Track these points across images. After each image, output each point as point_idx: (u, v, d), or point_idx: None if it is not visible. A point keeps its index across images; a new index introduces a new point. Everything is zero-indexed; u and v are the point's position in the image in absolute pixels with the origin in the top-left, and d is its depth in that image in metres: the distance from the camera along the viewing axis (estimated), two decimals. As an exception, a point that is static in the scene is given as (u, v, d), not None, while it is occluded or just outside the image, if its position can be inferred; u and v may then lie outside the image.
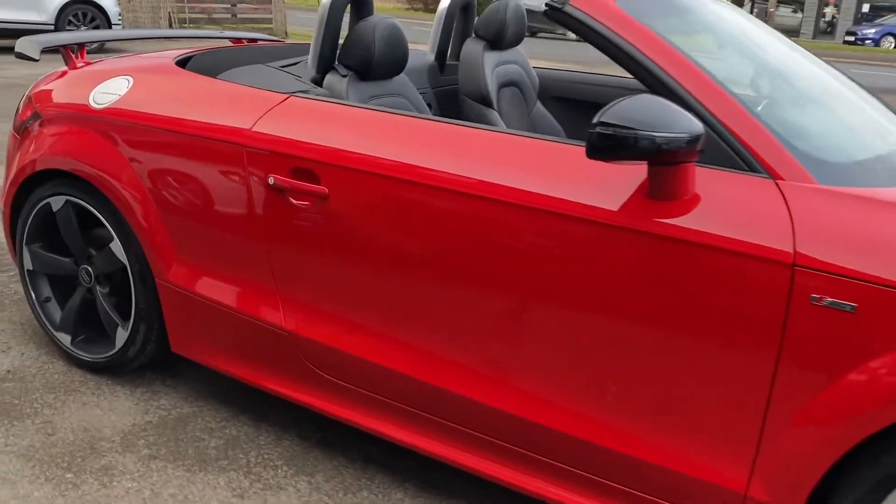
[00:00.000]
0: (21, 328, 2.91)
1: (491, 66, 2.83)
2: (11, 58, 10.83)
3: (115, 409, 2.43)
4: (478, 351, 1.82)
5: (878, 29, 27.64)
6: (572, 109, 3.19)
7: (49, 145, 2.46)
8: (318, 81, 2.36)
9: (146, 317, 2.42)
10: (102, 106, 2.36)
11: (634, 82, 3.05)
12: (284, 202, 2.01)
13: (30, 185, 2.58)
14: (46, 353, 2.74)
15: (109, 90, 2.39)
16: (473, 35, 2.91)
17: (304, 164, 1.97)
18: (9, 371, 2.61)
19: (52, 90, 2.58)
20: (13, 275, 3.39)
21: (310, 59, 2.38)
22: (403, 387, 1.94)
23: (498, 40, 2.86)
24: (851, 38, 27.97)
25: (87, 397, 2.48)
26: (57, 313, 2.68)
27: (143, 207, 2.29)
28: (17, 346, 2.78)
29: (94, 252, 2.53)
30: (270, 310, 2.13)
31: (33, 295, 2.69)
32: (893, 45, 26.77)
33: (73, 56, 2.75)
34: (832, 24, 34.25)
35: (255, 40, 3.35)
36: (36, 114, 2.56)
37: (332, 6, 2.32)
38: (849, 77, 2.26)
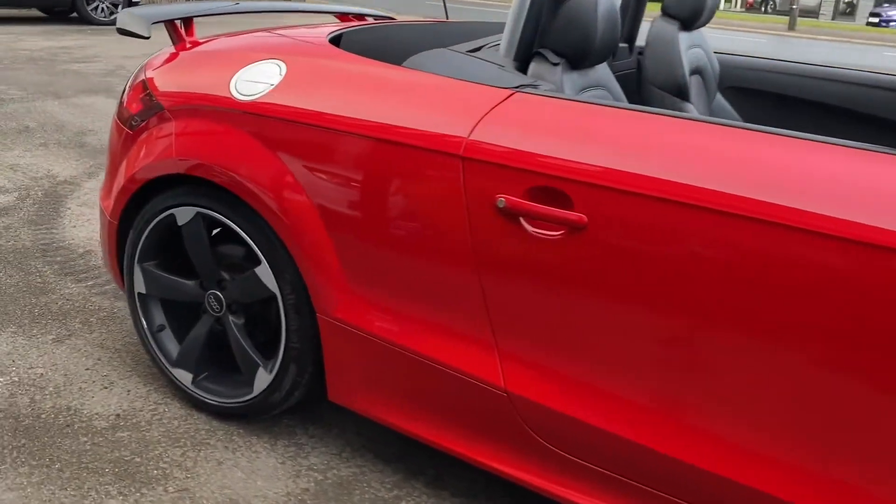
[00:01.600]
0: (119, 357, 2.46)
1: (685, 52, 2.36)
2: (29, 28, 10.30)
3: (259, 470, 1.99)
4: (800, 444, 1.38)
5: (903, 11, 26.98)
6: (753, 101, 2.73)
7: (178, 145, 1.99)
8: (519, 70, 1.90)
9: (299, 358, 1.97)
10: (250, 98, 1.89)
11: (830, 70, 2.59)
12: (516, 230, 1.56)
13: (146, 192, 2.12)
14: (156, 390, 2.30)
15: (256, 78, 1.92)
16: (663, 13, 2.43)
17: (551, 182, 1.51)
18: (118, 416, 2.16)
19: (175, 76, 2.11)
20: (92, 285, 2.93)
21: (504, 43, 1.92)
22: (679, 478, 1.50)
23: (692, 19, 2.40)
24: (875, 20, 27.33)
25: (220, 453, 2.04)
26: (173, 345, 2.23)
27: (307, 228, 1.83)
28: (120, 380, 2.33)
29: (228, 277, 2.07)
30: (483, 363, 1.68)
31: (144, 323, 2.24)
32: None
33: (183, 32, 2.28)
34: (852, 6, 33.57)
35: (362, 16, 2.87)
36: (155, 105, 2.09)
37: None
38: None
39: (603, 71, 2.07)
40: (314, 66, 1.89)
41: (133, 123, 2.16)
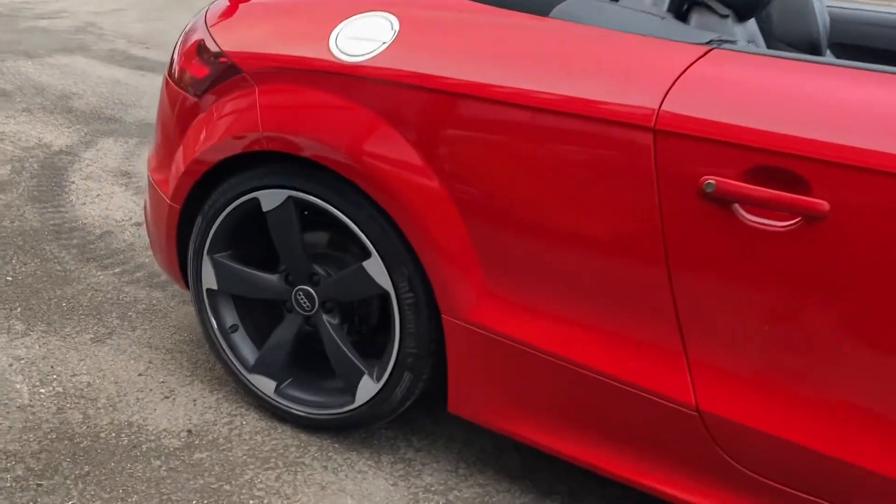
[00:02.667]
0: (173, 358, 2.15)
1: (817, 3, 2.09)
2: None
3: (370, 494, 1.71)
4: None
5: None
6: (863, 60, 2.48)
7: (264, 117, 1.66)
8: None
9: (415, 365, 1.69)
10: (360, 59, 1.57)
11: None
12: (727, 219, 1.29)
13: (217, 171, 1.79)
14: (226, 398, 1.99)
15: (363, 34, 1.60)
16: None
17: (782, 161, 1.24)
18: (190, 432, 1.86)
19: (252, 32, 1.76)
20: (121, 272, 2.59)
21: None
22: None
23: None
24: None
25: (320, 475, 1.76)
26: (248, 349, 1.92)
27: (436, 215, 1.53)
28: (181, 387, 2.02)
29: (323, 271, 1.77)
30: (667, 376, 1.42)
31: (214, 323, 1.92)
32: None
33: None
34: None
35: None
36: (229, 68, 1.74)
37: None
38: None
39: (751, 25, 1.80)
40: (438, 20, 1.58)
41: (198, 89, 1.81)
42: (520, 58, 1.46)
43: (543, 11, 1.54)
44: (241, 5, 1.87)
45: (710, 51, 1.36)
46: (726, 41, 1.40)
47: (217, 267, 1.86)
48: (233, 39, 1.77)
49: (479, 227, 1.51)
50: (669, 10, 1.61)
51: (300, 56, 1.64)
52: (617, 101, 1.35)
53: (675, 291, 1.36)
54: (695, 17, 1.59)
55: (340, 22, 1.63)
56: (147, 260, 2.67)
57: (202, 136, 1.77)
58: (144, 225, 2.15)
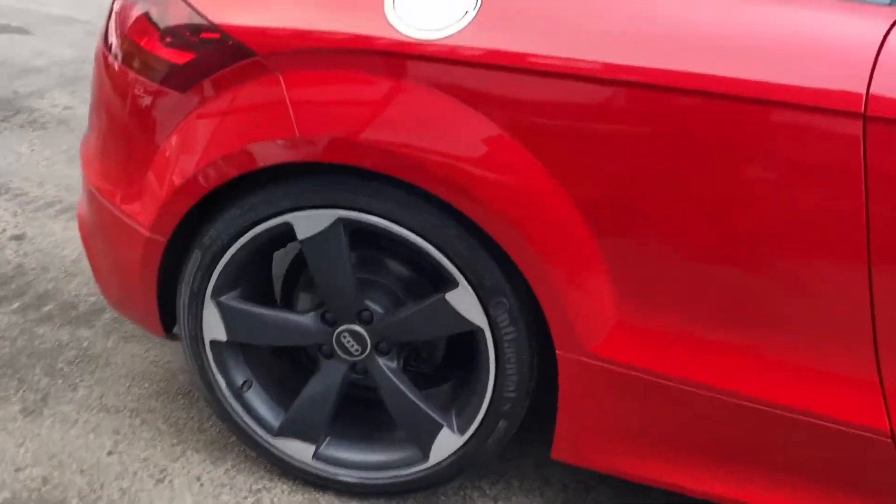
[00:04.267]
0: (143, 422, 1.67)
1: None
2: None
3: (469, 571, 1.40)
4: None
5: None
6: None
7: (301, 116, 1.23)
8: None
9: (513, 411, 1.37)
10: (435, 35, 1.18)
11: None
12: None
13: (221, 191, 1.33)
14: (240, 469, 1.57)
15: (430, 3, 1.20)
16: None
17: None
18: (212, 526, 1.44)
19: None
20: (21, 307, 2.00)
21: None
22: None
23: None
24: None
25: (399, 556, 1.42)
26: (268, 408, 1.51)
27: (555, 228, 1.21)
28: (174, 463, 1.57)
29: (378, 307, 1.39)
30: (858, 402, 1.21)
31: (222, 382, 1.48)
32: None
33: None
34: None
35: None
36: (232, 49, 1.27)
37: None
38: None
39: None
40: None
41: (179, 81, 1.32)
42: (665, 29, 1.15)
43: None
44: None
45: (906, 14, 1.12)
46: None
47: (225, 312, 1.42)
48: (230, 8, 1.29)
49: (614, 241, 1.21)
50: None
51: (345, 32, 1.22)
52: (810, 84, 1.08)
53: (876, 309, 1.15)
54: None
55: (393, -16, 1.22)
56: (51, 286, 2.11)
57: (199, 146, 1.31)
58: (87, 255, 1.62)
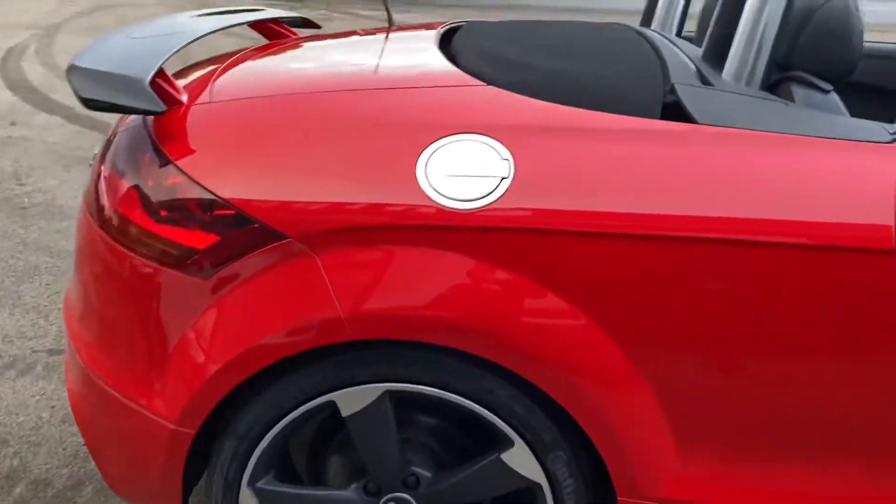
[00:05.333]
0: None
1: None
2: None
3: None
4: None
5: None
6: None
7: (344, 296, 1.19)
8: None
9: None
10: (475, 205, 1.18)
11: None
12: None
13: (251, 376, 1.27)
14: None
15: (464, 169, 1.19)
16: None
17: None
18: None
19: (278, 166, 1.24)
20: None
21: (736, 65, 1.45)
22: None
23: None
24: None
25: None
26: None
27: (614, 380, 1.22)
28: None
29: (423, 471, 1.34)
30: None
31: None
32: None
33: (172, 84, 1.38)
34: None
35: (279, 24, 2.07)
36: (261, 232, 1.23)
37: None
38: None
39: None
40: (553, 138, 1.23)
41: (201, 266, 1.26)
42: (687, 178, 1.19)
43: (653, 111, 1.27)
44: (219, 113, 1.34)
45: (902, 143, 1.21)
46: None
47: (264, 498, 1.34)
48: (249, 185, 1.24)
49: (672, 387, 1.23)
50: (764, 82, 1.45)
51: (382, 208, 1.20)
52: (839, 220, 1.15)
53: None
54: (798, 94, 1.44)
55: (422, 152, 1.22)
56: (16, 463, 1.93)
57: (232, 333, 1.24)
58: (85, 437, 1.50)
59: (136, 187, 1.31)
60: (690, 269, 1.17)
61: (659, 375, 1.22)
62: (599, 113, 1.26)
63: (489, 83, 1.33)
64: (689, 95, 1.32)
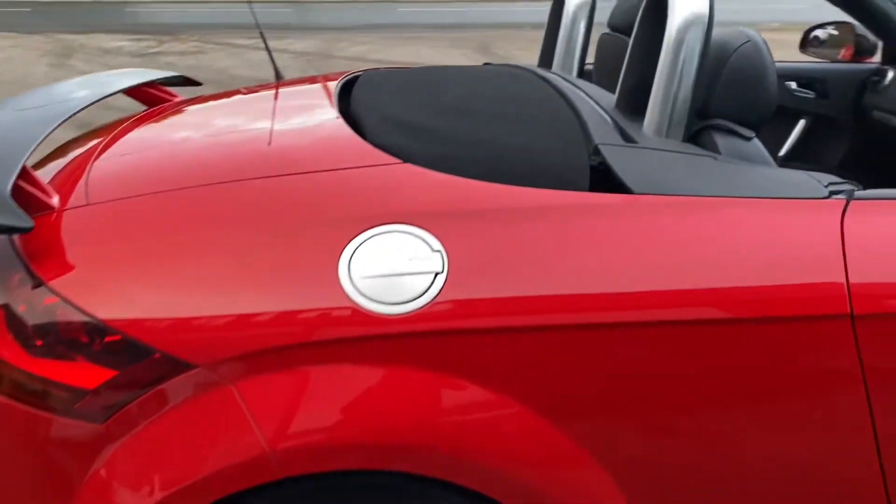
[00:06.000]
0: None
1: None
2: None
3: None
4: None
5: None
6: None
7: (270, 428, 1.03)
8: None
9: None
10: (409, 308, 1.04)
11: None
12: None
13: None
14: None
15: (391, 267, 1.06)
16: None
17: None
18: None
19: (176, 283, 1.06)
20: None
21: (656, 117, 1.39)
22: None
23: None
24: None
25: None
26: None
27: (572, 482, 1.11)
28: None
29: None
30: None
31: None
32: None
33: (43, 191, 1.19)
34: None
35: (156, 87, 1.88)
36: (162, 363, 1.04)
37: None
38: None
39: None
40: (488, 221, 1.12)
41: (94, 409, 1.06)
42: (630, 256, 1.11)
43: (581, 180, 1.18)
44: (98, 218, 1.16)
45: (847, 203, 1.16)
46: (843, 184, 1.21)
47: None
48: (139, 304, 1.06)
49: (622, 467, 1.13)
50: (687, 131, 1.39)
51: (305, 318, 1.05)
52: (786, 289, 1.09)
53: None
54: (721, 143, 1.39)
55: (342, 250, 1.07)
56: None
57: (135, 491, 1.05)
58: None
59: (6, 316, 1.11)
60: (648, 353, 1.08)
61: (627, 459, 1.13)
62: (528, 189, 1.15)
63: (406, 160, 1.20)
64: (617, 158, 1.23)
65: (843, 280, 1.08)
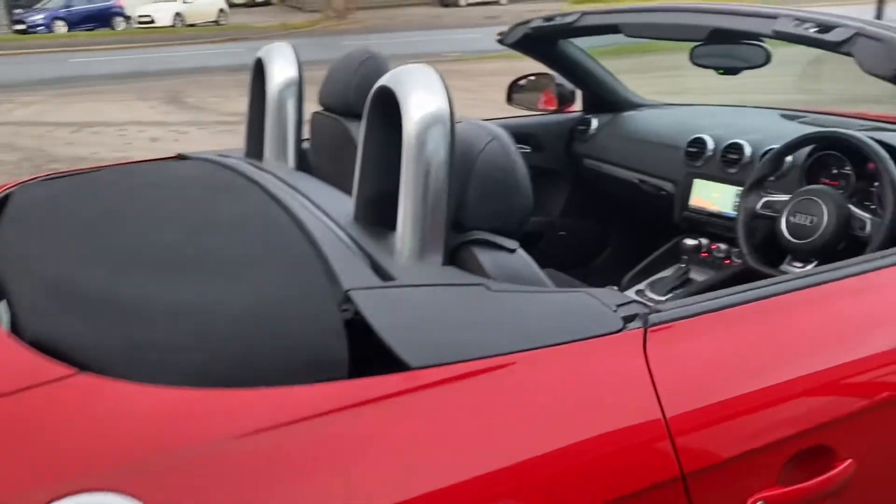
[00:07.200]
0: None
1: None
2: None
3: None
4: None
5: (45, 14, 26.86)
6: None
7: None
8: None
9: None
10: None
11: None
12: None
13: None
14: None
15: None
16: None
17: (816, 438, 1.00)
18: None
19: None
20: None
21: (407, 227, 1.16)
22: None
23: None
24: (23, 27, 26.53)
25: None
26: None
27: None
28: None
29: None
30: None
31: None
32: (66, 28, 26.44)
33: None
34: None
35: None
36: None
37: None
38: None
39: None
40: (227, 457, 0.77)
41: None
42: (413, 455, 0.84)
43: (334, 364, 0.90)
44: None
45: (643, 330, 1.00)
46: (636, 304, 1.04)
47: None
48: None
49: None
50: (446, 260, 1.17)
51: None
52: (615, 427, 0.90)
53: None
54: (484, 260, 1.17)
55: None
56: None
57: None
58: None
59: None
60: None
61: None
62: (274, 390, 0.83)
63: (82, 368, 0.82)
64: (376, 310, 0.96)
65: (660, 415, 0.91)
